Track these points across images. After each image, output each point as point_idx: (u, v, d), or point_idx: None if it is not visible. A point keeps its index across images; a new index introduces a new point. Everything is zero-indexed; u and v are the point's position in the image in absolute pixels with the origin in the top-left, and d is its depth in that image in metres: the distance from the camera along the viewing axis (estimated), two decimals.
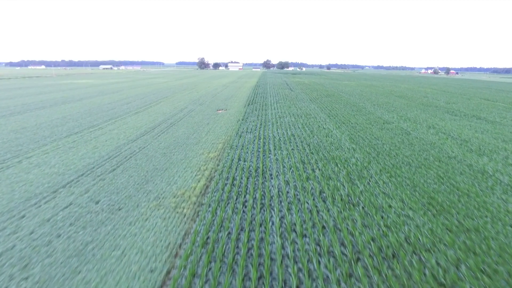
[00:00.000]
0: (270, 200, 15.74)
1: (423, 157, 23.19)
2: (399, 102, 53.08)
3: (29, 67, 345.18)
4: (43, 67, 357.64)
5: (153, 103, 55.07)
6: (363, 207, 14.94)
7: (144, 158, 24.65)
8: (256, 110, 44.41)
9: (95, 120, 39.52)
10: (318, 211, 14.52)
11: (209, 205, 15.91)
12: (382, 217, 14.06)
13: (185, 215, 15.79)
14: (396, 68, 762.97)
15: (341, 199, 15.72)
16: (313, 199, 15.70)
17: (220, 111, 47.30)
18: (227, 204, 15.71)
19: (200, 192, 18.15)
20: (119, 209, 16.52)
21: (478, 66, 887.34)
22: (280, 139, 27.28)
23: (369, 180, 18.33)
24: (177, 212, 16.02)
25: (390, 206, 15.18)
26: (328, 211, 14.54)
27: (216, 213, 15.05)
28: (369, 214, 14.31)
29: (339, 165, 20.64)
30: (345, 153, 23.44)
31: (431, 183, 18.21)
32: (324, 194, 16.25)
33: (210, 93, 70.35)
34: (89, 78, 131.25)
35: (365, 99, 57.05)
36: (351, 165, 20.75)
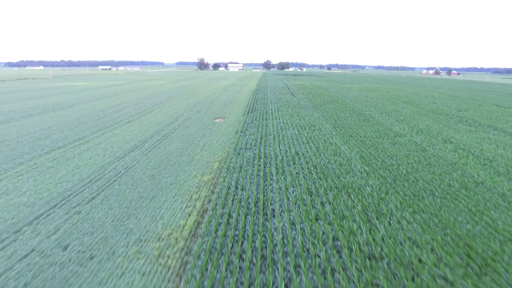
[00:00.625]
0: (272, 251, 12.87)
1: (446, 182, 20.33)
2: (407, 110, 50.18)
3: (27, 68, 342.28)
4: (41, 67, 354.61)
5: (147, 110, 52.20)
6: (388, 264, 12.07)
7: (129, 182, 21.81)
8: (256, 120, 41.56)
9: (82, 131, 36.65)
10: (333, 271, 11.65)
11: (199, 257, 13.03)
12: (413, 280, 11.21)
13: (169, 268, 12.95)
14: (397, 68, 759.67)
15: (360, 250, 12.86)
16: (326, 251, 12.83)
17: (217, 120, 44.46)
18: (221, 256, 12.85)
19: (190, 233, 15.31)
20: (91, 258, 13.68)
21: (479, 66, 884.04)
22: (283, 159, 24.41)
23: (390, 219, 15.47)
24: (160, 264, 13.17)
25: (420, 261, 12.32)
26: (345, 270, 11.66)
27: (206, 269, 12.20)
28: (396, 275, 11.44)
29: (352, 197, 17.78)
30: (358, 178, 20.57)
31: (463, 222, 15.36)
32: (339, 243, 13.37)
33: (208, 98, 67.51)
34: (86, 80, 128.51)
35: (372, 105, 54.14)
36: (366, 196, 17.89)
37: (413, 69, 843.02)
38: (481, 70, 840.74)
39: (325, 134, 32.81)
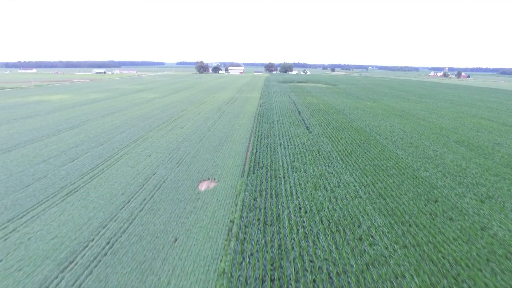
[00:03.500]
0: None
1: None
2: (474, 164, 35.57)
3: (20, 71, 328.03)
4: (34, 70, 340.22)
5: (111, 158, 37.97)
6: None
7: None
8: (261, 195, 27.27)
9: None
10: None
11: None
12: None
13: None
14: (401, 68, 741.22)
15: None
16: None
17: (204, 186, 30.25)
18: None
19: None
20: None
21: (483, 66, 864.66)
22: None
23: None
24: None
25: None
26: None
27: None
28: None
29: None
30: None
31: None
32: None
33: (198, 130, 53.18)
34: (67, 92, 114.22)
35: (420, 153, 39.25)
36: None
37: (416, 69, 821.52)
38: (486, 70, 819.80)
39: (385, 258, 18.39)
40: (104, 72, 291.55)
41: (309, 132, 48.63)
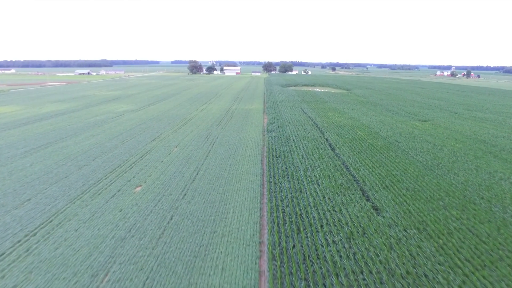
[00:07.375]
0: None
1: None
2: None
3: None
4: (12, 71, 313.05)
5: None
6: None
7: None
8: None
9: None
10: None
11: None
12: None
13: None
14: (401, 67, 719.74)
15: None
16: None
17: None
18: None
19: None
20: None
21: (484, 65, 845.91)
22: None
23: None
24: None
25: None
26: None
27: None
28: None
29: None
30: None
31: None
32: None
33: (166, 194, 30.21)
34: (19, 102, 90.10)
35: None
36: None
37: (416, 67, 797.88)
38: (487, 68, 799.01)
39: None
40: (88, 73, 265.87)
41: (374, 210, 25.48)
